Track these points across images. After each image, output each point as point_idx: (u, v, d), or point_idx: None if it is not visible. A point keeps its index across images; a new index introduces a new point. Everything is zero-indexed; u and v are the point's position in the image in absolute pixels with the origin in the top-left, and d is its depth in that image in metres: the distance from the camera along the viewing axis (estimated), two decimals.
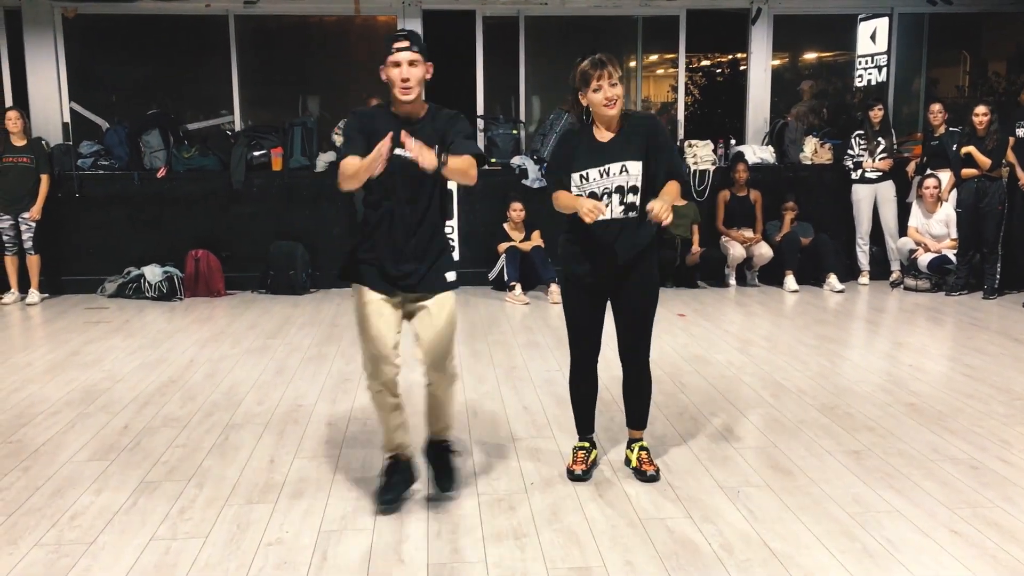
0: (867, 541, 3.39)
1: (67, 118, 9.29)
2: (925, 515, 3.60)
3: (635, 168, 3.72)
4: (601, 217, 3.62)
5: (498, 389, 5.44)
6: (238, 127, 9.54)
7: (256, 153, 9.02)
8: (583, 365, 4.04)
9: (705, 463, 4.20)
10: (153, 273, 8.59)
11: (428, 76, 3.52)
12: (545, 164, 9.10)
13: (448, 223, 3.81)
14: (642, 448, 4.06)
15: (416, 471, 3.86)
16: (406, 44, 3.45)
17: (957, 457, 4.23)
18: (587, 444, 4.13)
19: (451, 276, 3.71)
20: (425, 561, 3.26)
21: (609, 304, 3.97)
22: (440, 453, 3.90)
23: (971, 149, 8.11)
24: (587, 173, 3.76)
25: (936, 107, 8.77)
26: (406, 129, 3.39)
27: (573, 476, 3.99)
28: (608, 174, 3.73)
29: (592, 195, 3.72)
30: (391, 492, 3.73)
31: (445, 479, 3.85)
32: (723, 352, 6.32)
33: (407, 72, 3.42)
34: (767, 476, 4.03)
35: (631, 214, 3.75)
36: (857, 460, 4.22)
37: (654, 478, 3.93)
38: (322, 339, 6.85)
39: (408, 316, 3.70)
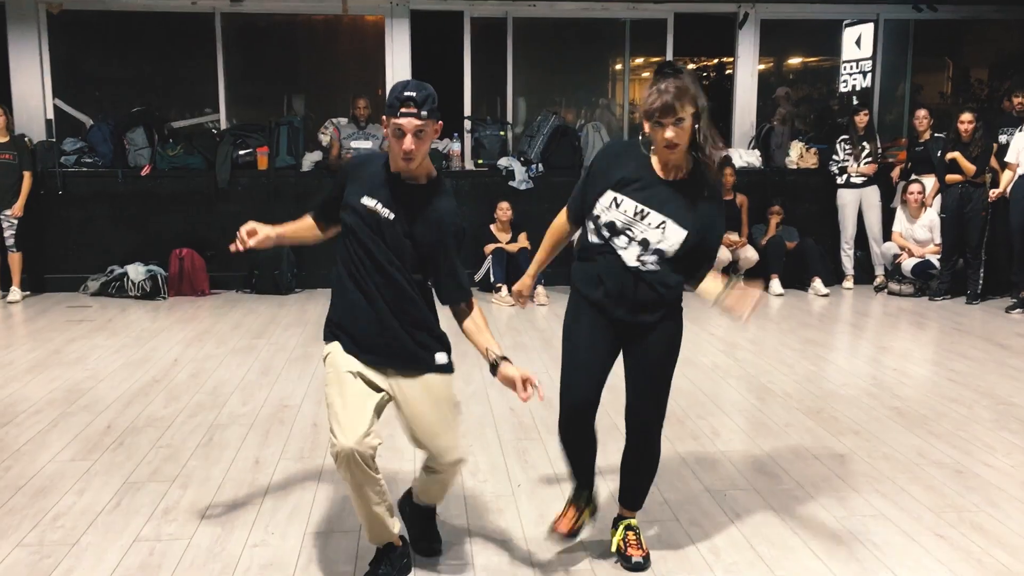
0: (853, 544, 3.40)
1: (51, 115, 9.21)
2: (910, 519, 3.62)
3: (676, 236, 2.98)
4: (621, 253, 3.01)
5: (484, 390, 5.43)
6: (223, 125, 9.48)
7: (241, 152, 8.97)
8: (575, 418, 3.20)
9: (692, 466, 4.20)
10: (137, 272, 8.53)
11: (437, 135, 3.01)
12: (534, 166, 9.09)
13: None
14: (629, 528, 3.30)
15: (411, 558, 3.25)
16: (414, 110, 2.85)
17: (942, 461, 4.25)
18: (582, 500, 3.39)
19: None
20: (411, 563, 3.25)
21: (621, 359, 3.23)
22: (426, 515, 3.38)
23: (956, 155, 8.16)
24: (621, 200, 3.01)
25: (921, 113, 8.83)
26: (402, 192, 2.96)
27: (553, 533, 3.37)
28: (642, 219, 2.99)
29: (611, 225, 3.02)
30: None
31: (428, 543, 3.35)
32: (709, 355, 6.33)
33: (410, 144, 2.86)
34: (753, 479, 4.04)
35: (647, 268, 3.01)
36: (842, 464, 4.23)
37: (640, 566, 3.20)
38: (308, 339, 6.82)
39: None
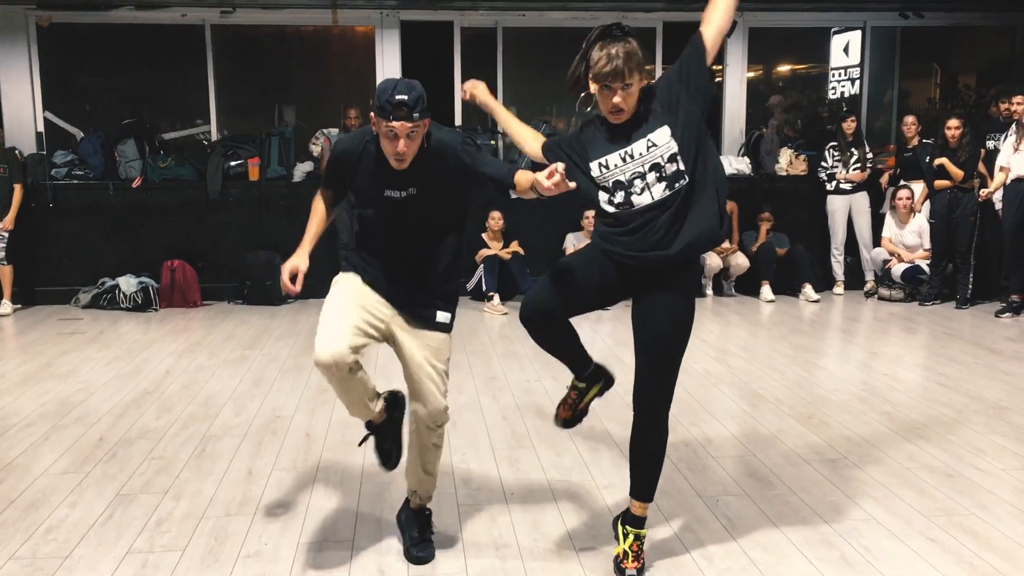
0: (845, 549, 3.41)
1: (41, 127, 9.21)
2: (902, 523, 3.64)
3: (662, 136, 2.99)
4: (640, 203, 2.99)
5: (477, 399, 5.44)
6: (214, 137, 9.49)
7: (233, 163, 8.98)
8: (528, 316, 3.20)
9: (684, 472, 4.22)
10: (128, 284, 8.52)
11: (426, 128, 3.05)
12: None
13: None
14: (637, 538, 3.24)
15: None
16: (405, 111, 2.89)
17: (933, 465, 4.27)
18: (582, 384, 3.42)
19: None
20: (405, 573, 3.25)
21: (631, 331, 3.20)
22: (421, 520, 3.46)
23: (944, 161, 8.22)
24: (607, 160, 3.05)
25: (909, 119, 8.89)
26: (395, 174, 3.06)
27: (556, 421, 3.53)
28: (632, 156, 3.01)
29: (618, 184, 3.03)
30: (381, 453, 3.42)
31: (421, 550, 3.36)
32: (700, 362, 6.35)
33: (403, 147, 2.95)
34: (745, 485, 4.05)
35: (680, 183, 2.98)
36: (834, 469, 4.25)
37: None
38: (300, 350, 6.82)
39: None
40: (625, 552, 3.22)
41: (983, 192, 8.06)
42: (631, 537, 3.24)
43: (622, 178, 3.04)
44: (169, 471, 4.26)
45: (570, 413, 3.51)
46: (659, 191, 3.00)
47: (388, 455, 3.46)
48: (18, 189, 8.41)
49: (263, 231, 8.97)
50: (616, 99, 2.96)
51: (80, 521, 3.69)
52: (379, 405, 3.34)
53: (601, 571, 3.25)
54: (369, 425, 3.45)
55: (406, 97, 2.90)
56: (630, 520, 3.27)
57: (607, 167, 3.06)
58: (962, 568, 3.25)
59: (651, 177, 3.00)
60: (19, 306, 8.59)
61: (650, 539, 3.50)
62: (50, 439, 4.74)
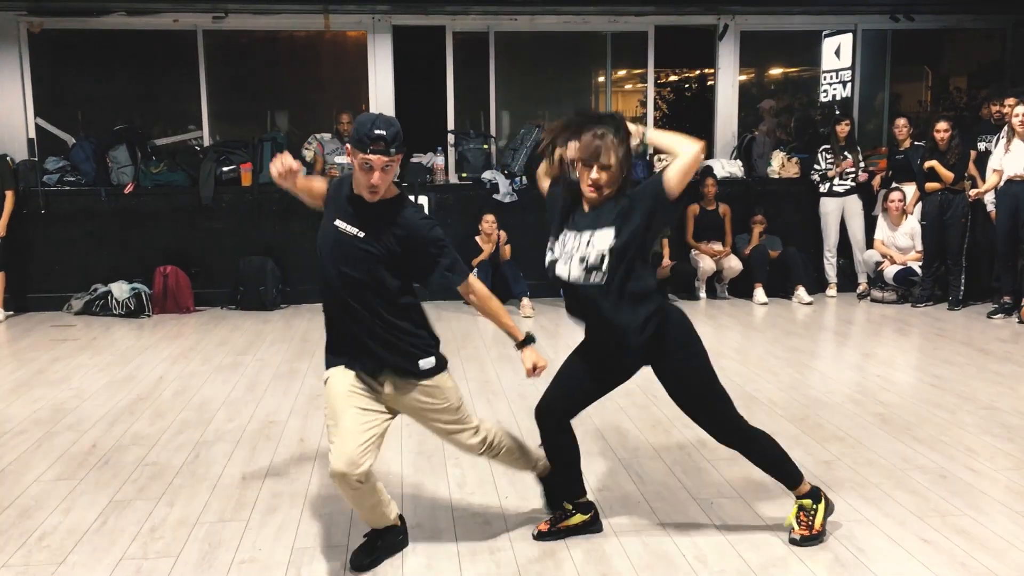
0: (839, 550, 3.42)
1: (32, 133, 9.18)
2: (895, 524, 3.64)
3: (604, 239, 3.18)
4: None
5: (471, 403, 5.43)
6: (207, 142, 9.48)
7: (225, 168, 8.97)
8: (538, 417, 3.50)
9: (679, 475, 4.22)
10: (120, 290, 8.50)
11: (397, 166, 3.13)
12: (518, 179, 9.13)
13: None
14: (800, 507, 3.51)
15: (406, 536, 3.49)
16: (383, 147, 3.00)
17: (926, 466, 4.28)
18: (569, 507, 3.58)
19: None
20: None
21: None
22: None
23: (934, 163, 8.25)
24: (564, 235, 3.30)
25: (901, 122, 8.91)
26: (369, 210, 3.12)
27: (533, 531, 3.57)
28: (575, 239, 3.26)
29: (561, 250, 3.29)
30: (368, 556, 3.34)
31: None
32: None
33: (377, 180, 3.04)
34: (740, 487, 4.06)
35: (593, 279, 3.20)
36: (828, 470, 4.26)
37: (795, 541, 3.45)
38: (293, 355, 6.81)
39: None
40: (796, 520, 3.50)
41: (972, 192, 8.08)
42: (794, 508, 3.52)
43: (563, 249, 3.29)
44: (162, 477, 4.25)
45: (547, 527, 3.56)
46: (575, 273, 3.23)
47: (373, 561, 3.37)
48: (10, 196, 8.39)
49: (256, 236, 8.96)
50: (594, 175, 3.16)
51: (73, 528, 3.68)
52: (393, 512, 3.42)
53: (597, 573, 3.25)
54: (370, 532, 3.43)
55: (384, 132, 3.00)
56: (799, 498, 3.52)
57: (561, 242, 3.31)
58: (955, 568, 3.26)
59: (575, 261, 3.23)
60: (11, 313, 8.56)
61: (644, 541, 3.51)
62: (43, 446, 4.72)
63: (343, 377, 3.24)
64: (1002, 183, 7.82)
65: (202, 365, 6.51)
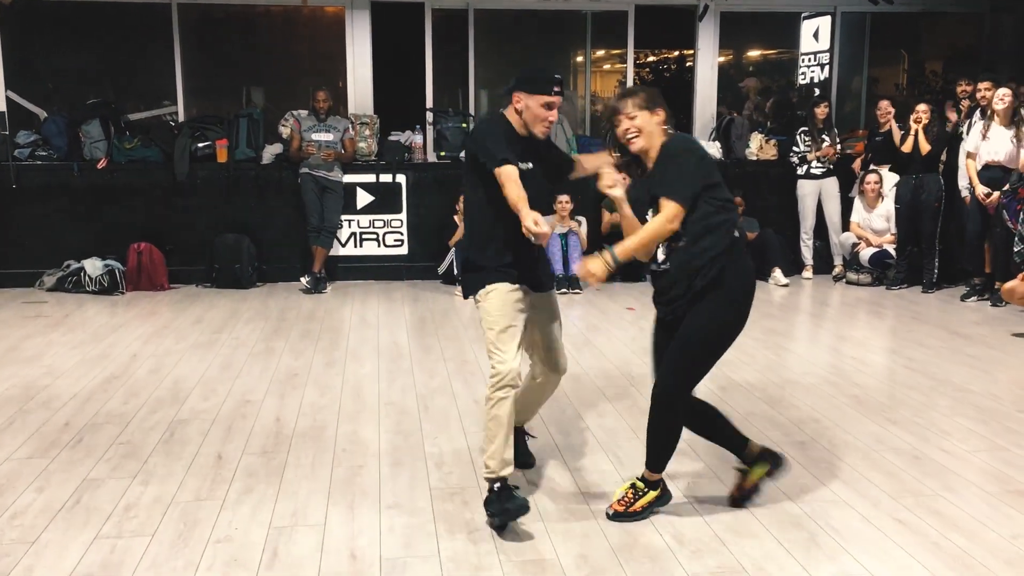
0: (814, 530, 3.45)
1: (3, 107, 9.01)
2: (870, 504, 3.68)
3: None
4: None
5: (449, 383, 5.43)
6: (181, 118, 9.36)
7: (200, 144, 8.86)
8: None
9: None
10: (94, 266, 8.39)
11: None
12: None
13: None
14: (632, 486, 3.58)
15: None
16: (560, 88, 3.63)
17: (900, 448, 4.32)
18: (743, 467, 3.69)
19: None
20: (378, 556, 3.24)
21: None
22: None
23: (919, 129, 8.20)
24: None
25: (884, 104, 8.92)
26: (523, 146, 3.62)
27: (728, 500, 3.69)
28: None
29: None
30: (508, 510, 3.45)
31: (523, 458, 4.00)
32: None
33: (555, 116, 3.66)
34: (716, 468, 4.08)
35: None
36: (803, 451, 4.29)
37: (607, 514, 3.54)
38: (269, 333, 6.76)
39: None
40: (619, 495, 3.61)
41: (987, 200, 7.87)
42: (628, 484, 3.61)
43: None
44: (137, 456, 4.22)
45: (737, 492, 3.69)
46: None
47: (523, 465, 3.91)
48: None
49: (232, 213, 8.87)
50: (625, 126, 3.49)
51: (47, 506, 3.64)
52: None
53: (573, 552, 3.26)
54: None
55: (560, 77, 3.63)
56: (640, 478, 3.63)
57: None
58: (928, 548, 3.30)
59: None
60: None
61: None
62: (15, 424, 4.67)
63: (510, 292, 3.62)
64: (978, 167, 7.87)
65: (177, 343, 6.45)
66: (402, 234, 9.17)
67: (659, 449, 3.56)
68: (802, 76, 10.30)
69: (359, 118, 9.12)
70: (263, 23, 10.10)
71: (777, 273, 8.86)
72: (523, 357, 3.62)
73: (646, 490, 3.56)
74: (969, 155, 7.96)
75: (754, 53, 11.72)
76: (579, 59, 10.62)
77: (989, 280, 7.94)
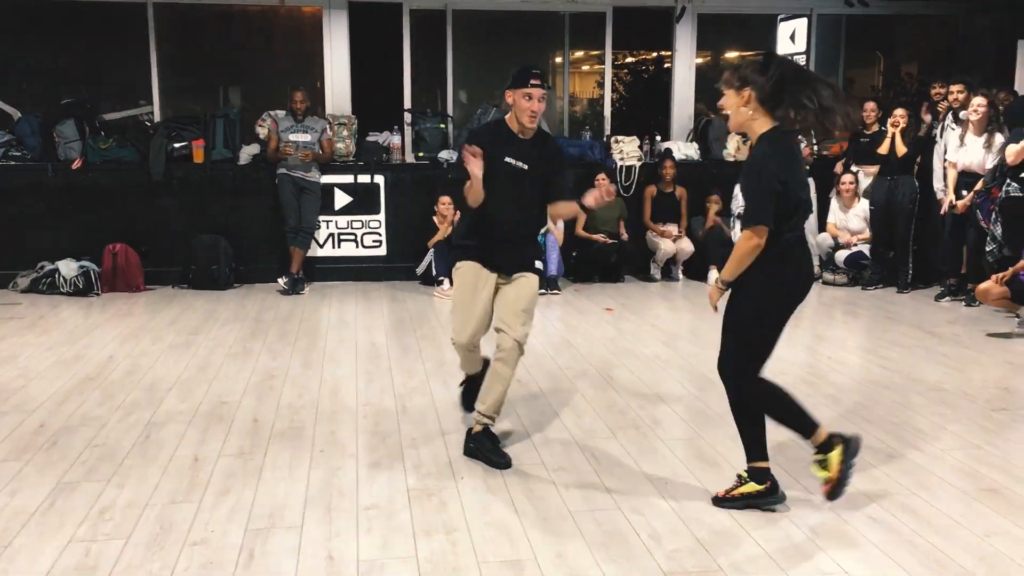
0: (790, 529, 3.47)
1: None
2: (845, 502, 3.70)
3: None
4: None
5: (427, 384, 5.42)
6: (157, 118, 9.29)
7: (177, 145, 8.80)
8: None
9: (634, 455, 4.25)
10: (68, 268, 8.31)
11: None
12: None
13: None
14: (739, 476, 3.69)
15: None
16: (539, 82, 4.03)
17: (875, 446, 4.35)
18: (820, 456, 3.62)
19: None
20: (355, 557, 3.23)
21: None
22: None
23: (896, 132, 8.27)
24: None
25: (870, 106, 8.95)
26: (517, 145, 4.11)
27: (825, 497, 3.62)
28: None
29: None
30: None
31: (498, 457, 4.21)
32: (650, 346, 6.40)
33: (538, 107, 4.05)
34: (694, 467, 4.10)
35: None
36: (780, 450, 4.31)
37: (714, 499, 3.68)
38: (247, 334, 6.73)
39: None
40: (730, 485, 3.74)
41: (959, 204, 7.93)
42: (737, 477, 3.74)
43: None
44: (112, 458, 4.18)
45: (829, 487, 3.58)
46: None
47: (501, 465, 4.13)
48: None
49: (208, 214, 8.82)
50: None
51: (20, 509, 3.60)
52: (481, 364, 4.54)
53: (551, 553, 3.26)
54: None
55: (539, 71, 4.05)
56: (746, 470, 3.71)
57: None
58: (902, 547, 3.33)
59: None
60: None
61: (598, 520, 3.53)
62: None
63: (475, 270, 4.22)
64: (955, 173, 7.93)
65: (153, 344, 6.40)
66: (380, 235, 9.15)
67: (745, 437, 3.67)
68: None
69: (337, 118, 9.09)
70: (240, 23, 10.05)
71: None
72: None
73: (747, 479, 3.64)
74: (951, 163, 7.98)
75: (732, 55, 11.78)
76: (558, 60, 10.64)
77: (963, 281, 8.02)
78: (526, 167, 4.09)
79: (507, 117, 4.15)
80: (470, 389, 4.67)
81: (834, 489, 3.55)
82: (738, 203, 3.68)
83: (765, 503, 3.62)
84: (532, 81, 3.99)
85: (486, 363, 4.47)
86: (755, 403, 3.62)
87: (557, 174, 4.20)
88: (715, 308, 3.69)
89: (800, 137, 9.00)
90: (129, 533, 3.41)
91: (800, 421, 3.60)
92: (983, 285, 6.96)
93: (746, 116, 3.51)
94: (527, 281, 4.18)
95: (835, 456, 3.53)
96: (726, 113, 3.61)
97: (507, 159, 4.07)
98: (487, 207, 4.07)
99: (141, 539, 3.36)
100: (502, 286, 4.19)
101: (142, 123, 9.35)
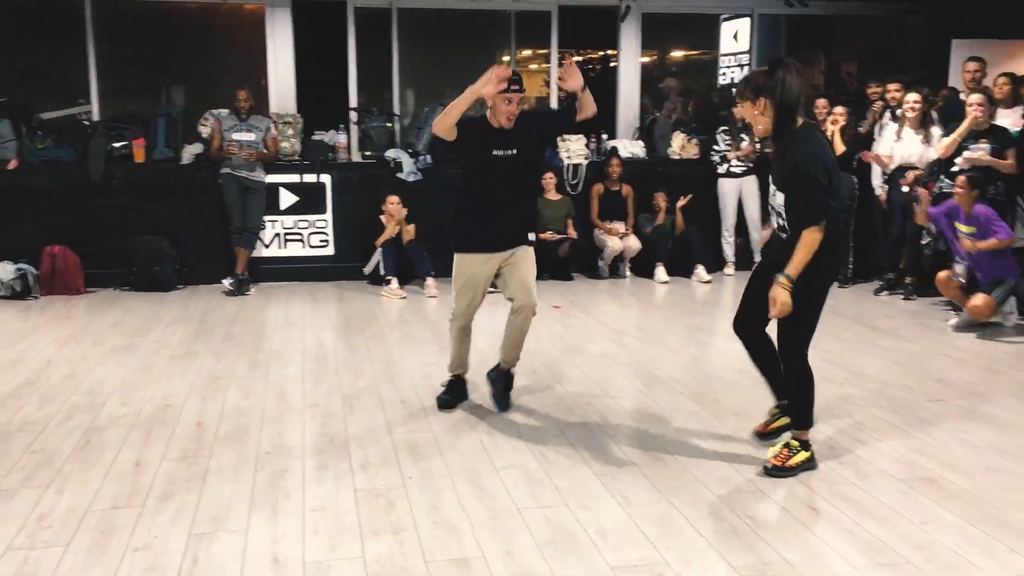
0: (733, 520, 3.52)
1: None
2: (786, 493, 3.78)
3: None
4: None
5: (375, 384, 5.40)
6: (96, 117, 9.10)
7: (116, 144, 8.63)
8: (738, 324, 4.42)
9: (581, 452, 4.28)
10: (5, 270, 8.10)
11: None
12: (423, 158, 9.05)
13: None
14: (786, 445, 4.05)
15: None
16: (517, 87, 4.45)
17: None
18: (774, 408, 4.40)
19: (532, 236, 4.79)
20: (301, 559, 3.21)
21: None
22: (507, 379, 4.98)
23: (836, 130, 8.42)
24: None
25: (821, 103, 9.04)
26: (502, 136, 4.52)
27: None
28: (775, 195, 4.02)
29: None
30: (451, 397, 4.95)
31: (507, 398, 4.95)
32: (598, 343, 6.44)
33: (515, 109, 4.50)
34: (641, 462, 4.14)
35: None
36: (724, 444, 4.38)
37: (767, 471, 3.98)
38: (191, 336, 6.63)
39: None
40: (775, 451, 4.07)
41: (918, 213, 8.07)
42: (780, 444, 4.11)
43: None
44: (51, 464, 4.10)
45: (773, 467, 4.01)
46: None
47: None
48: None
49: (150, 215, 8.66)
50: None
51: None
52: (468, 367, 5.07)
53: (499, 551, 3.27)
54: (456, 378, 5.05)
55: (518, 76, 4.45)
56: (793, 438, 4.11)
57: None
58: (842, 536, 3.40)
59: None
60: None
61: (547, 517, 3.55)
62: None
63: (475, 259, 4.73)
64: (892, 167, 8.10)
65: (93, 348, 6.28)
66: (327, 234, 9.08)
67: (796, 408, 4.04)
68: (723, 77, 10.49)
69: (281, 117, 9.00)
70: (181, 20, 9.88)
71: (700, 270, 9.01)
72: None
73: (800, 448, 3.98)
74: (886, 157, 8.13)
75: (678, 54, 11.90)
76: (505, 59, 10.64)
77: (901, 275, 8.20)
78: (514, 151, 4.53)
79: (488, 115, 4.56)
80: (453, 390, 5.02)
81: (775, 472, 3.94)
82: (777, 201, 3.92)
83: (808, 469, 3.98)
84: (512, 87, 4.41)
85: (460, 379, 5.04)
86: (794, 376, 4.00)
87: (551, 117, 5.14)
88: (789, 308, 3.81)
89: (743, 136, 9.21)
90: (69, 540, 3.35)
91: (808, 412, 4.03)
92: (942, 274, 7.06)
93: (767, 124, 3.83)
94: (526, 257, 4.72)
95: (800, 457, 3.98)
96: (751, 122, 3.93)
97: (495, 152, 4.51)
98: (484, 197, 4.62)
99: (81, 546, 3.30)
100: (504, 267, 4.69)
101: (80, 122, 9.15)
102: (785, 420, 4.24)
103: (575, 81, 4.46)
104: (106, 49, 9.19)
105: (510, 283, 4.72)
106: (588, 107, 4.56)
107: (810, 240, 3.73)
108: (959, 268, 6.97)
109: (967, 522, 3.51)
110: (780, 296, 3.77)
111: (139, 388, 5.31)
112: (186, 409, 4.91)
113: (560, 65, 4.61)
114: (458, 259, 4.71)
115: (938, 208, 7.03)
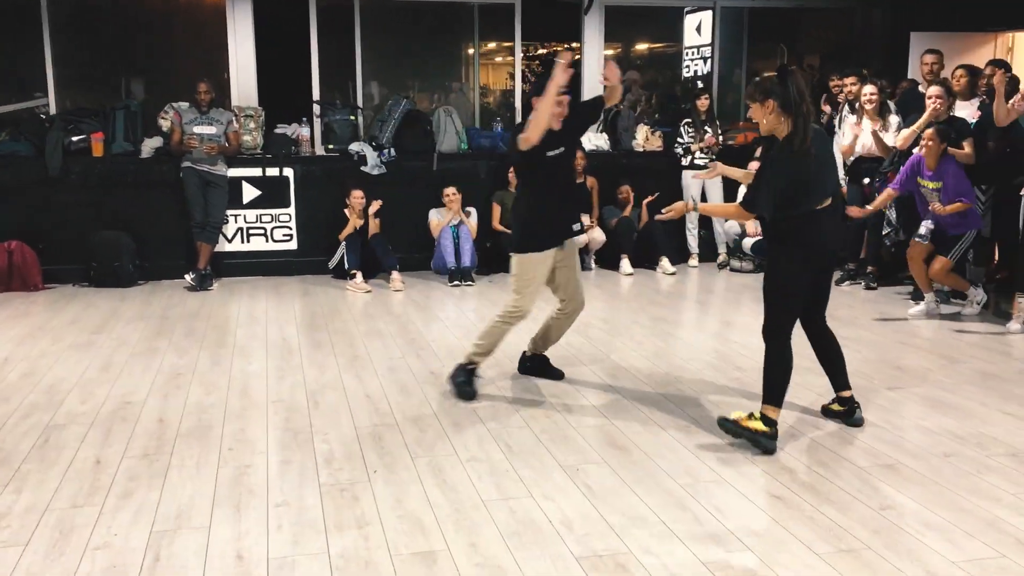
0: (697, 510, 3.55)
1: None
2: (748, 482, 3.82)
3: None
4: None
5: (340, 378, 5.37)
6: (53, 110, 8.96)
7: (75, 138, 8.50)
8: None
9: (546, 443, 4.29)
10: None
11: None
12: (386, 151, 9.01)
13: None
14: (750, 414, 4.23)
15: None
16: (567, 90, 4.73)
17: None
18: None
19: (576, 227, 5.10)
20: (265, 555, 3.19)
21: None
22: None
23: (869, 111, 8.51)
24: None
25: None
26: (552, 137, 4.71)
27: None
28: None
29: None
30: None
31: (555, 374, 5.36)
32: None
33: (565, 111, 4.76)
34: (605, 453, 4.16)
35: None
36: (688, 434, 4.42)
37: (723, 420, 4.30)
38: (152, 333, 6.55)
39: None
40: (736, 414, 4.33)
41: (869, 208, 8.13)
42: (748, 413, 4.30)
43: None
44: (9, 463, 4.03)
45: (734, 427, 4.27)
46: None
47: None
48: None
49: (109, 209, 8.54)
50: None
51: None
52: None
53: (464, 543, 3.27)
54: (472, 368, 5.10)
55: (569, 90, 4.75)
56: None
57: None
58: (803, 522, 3.44)
59: None
60: None
61: (511, 508, 3.55)
62: None
63: (545, 257, 4.98)
64: (851, 160, 8.19)
65: (52, 345, 6.19)
66: (291, 228, 9.01)
67: (769, 384, 4.21)
68: (686, 69, 10.54)
69: (243, 110, 8.91)
70: (140, 12, 9.75)
71: (664, 262, 9.06)
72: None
73: (758, 418, 4.16)
74: (848, 146, 8.23)
75: (642, 47, 11.94)
76: (469, 51, 10.62)
77: (862, 265, 8.30)
78: (562, 149, 4.79)
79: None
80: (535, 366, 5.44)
81: (726, 424, 4.25)
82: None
83: (764, 444, 4.11)
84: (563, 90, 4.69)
85: (471, 370, 5.10)
86: (771, 357, 4.22)
87: (584, 109, 5.20)
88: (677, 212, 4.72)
89: (707, 128, 9.27)
90: (27, 540, 3.30)
91: (774, 392, 4.20)
92: (911, 248, 7.09)
93: (773, 123, 4.05)
94: (574, 253, 5.07)
95: (756, 425, 4.15)
96: (759, 123, 4.13)
97: (548, 153, 4.73)
98: (544, 197, 4.87)
99: (40, 545, 3.26)
100: (559, 265, 4.95)
101: (37, 116, 8.99)
102: (840, 407, 4.57)
103: (616, 78, 4.92)
104: (63, 41, 9.04)
105: (564, 284, 5.02)
106: (616, 96, 5.08)
107: (735, 210, 4.39)
108: (923, 229, 6.98)
109: (926, 508, 3.57)
110: (677, 205, 4.72)
111: (99, 385, 5.24)
112: (147, 406, 4.86)
113: (604, 65, 5.03)
114: (525, 259, 4.88)
115: (903, 169, 7.08)
